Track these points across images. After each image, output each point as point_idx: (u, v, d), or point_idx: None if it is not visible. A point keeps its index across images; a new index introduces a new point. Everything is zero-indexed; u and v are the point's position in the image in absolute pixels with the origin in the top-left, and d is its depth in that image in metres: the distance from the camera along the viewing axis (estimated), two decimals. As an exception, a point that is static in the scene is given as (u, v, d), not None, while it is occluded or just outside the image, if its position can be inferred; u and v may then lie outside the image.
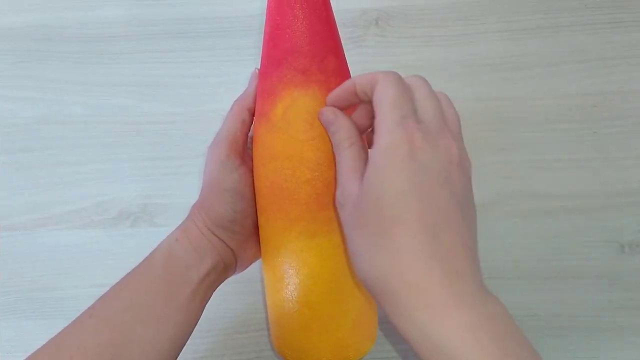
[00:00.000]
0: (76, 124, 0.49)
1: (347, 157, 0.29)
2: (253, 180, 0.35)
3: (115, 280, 0.47)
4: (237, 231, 0.35)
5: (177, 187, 0.48)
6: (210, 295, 0.35)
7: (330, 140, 0.31)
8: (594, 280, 0.46)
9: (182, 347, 0.33)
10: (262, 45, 0.34)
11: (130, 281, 0.33)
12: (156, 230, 0.48)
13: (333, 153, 0.31)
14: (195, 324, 0.34)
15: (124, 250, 0.48)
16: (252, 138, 0.36)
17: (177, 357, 0.33)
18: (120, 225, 0.48)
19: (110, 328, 0.30)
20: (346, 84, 0.30)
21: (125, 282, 0.33)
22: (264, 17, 0.50)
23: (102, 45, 0.50)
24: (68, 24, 0.50)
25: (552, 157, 0.47)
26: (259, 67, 0.35)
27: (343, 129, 0.30)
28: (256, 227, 0.36)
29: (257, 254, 0.37)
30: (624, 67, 0.48)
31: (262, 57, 0.34)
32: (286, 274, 0.33)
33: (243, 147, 0.35)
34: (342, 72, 0.33)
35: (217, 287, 0.35)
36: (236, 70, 0.49)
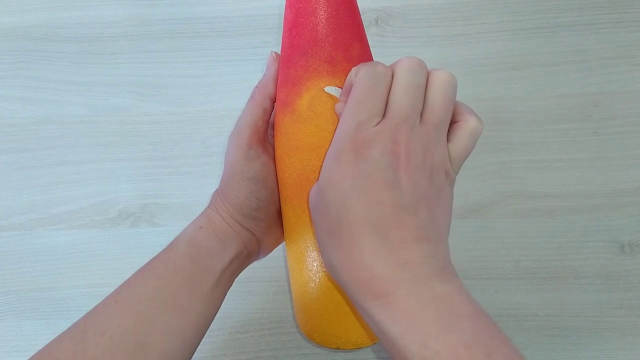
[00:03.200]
0: (76, 124, 0.49)
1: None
2: (275, 168, 0.35)
3: (115, 280, 0.47)
4: (261, 218, 0.35)
5: (177, 187, 0.48)
6: (232, 283, 0.35)
7: None
8: (594, 280, 0.46)
9: (204, 335, 0.33)
10: (282, 33, 0.34)
11: (154, 268, 0.33)
12: (156, 230, 0.48)
13: None
14: (217, 312, 0.34)
15: (124, 250, 0.48)
16: (272, 125, 0.35)
17: (198, 345, 0.33)
18: (120, 225, 0.48)
19: (134, 315, 0.31)
20: (347, 77, 0.30)
21: (149, 268, 0.33)
22: (264, 17, 0.50)
23: (102, 45, 0.50)
24: (68, 24, 0.50)
25: (552, 157, 0.47)
26: (276, 52, 0.35)
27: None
28: (279, 214, 0.36)
29: (280, 239, 0.38)
30: (624, 67, 0.48)
31: (283, 46, 0.34)
32: (315, 262, 0.33)
33: (264, 135, 0.35)
34: (367, 59, 0.33)
35: (239, 274, 0.36)
36: (235, 70, 0.49)
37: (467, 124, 0.29)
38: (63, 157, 0.49)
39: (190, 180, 0.48)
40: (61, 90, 0.50)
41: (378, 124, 0.27)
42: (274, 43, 0.49)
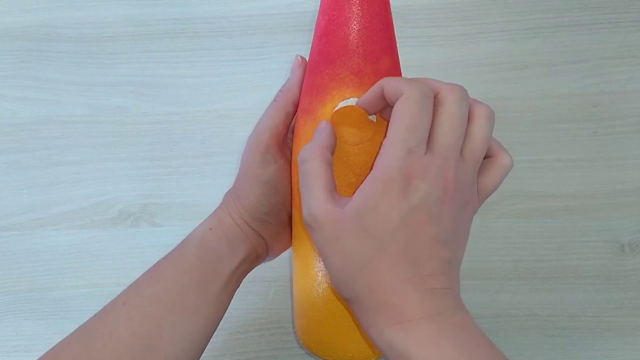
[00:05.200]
0: (76, 124, 0.49)
1: (316, 169, 0.28)
2: (290, 173, 0.34)
3: (115, 280, 0.47)
4: (272, 223, 0.35)
5: (177, 187, 0.48)
6: (239, 285, 0.35)
7: (377, 145, 0.30)
8: (594, 280, 0.46)
9: (211, 337, 0.33)
10: (312, 38, 0.33)
11: (163, 269, 0.33)
12: (156, 230, 0.48)
13: None
14: (224, 314, 0.34)
15: (124, 250, 0.48)
16: (292, 130, 0.35)
17: (205, 347, 0.33)
18: (120, 225, 0.48)
19: (142, 317, 0.30)
20: (374, 89, 0.29)
21: (158, 270, 0.33)
22: (264, 17, 0.50)
23: (102, 45, 0.50)
24: (67, 24, 0.50)
25: (552, 157, 0.47)
26: (302, 56, 0.34)
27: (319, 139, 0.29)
28: (290, 219, 0.36)
29: (289, 243, 0.37)
30: (624, 67, 0.48)
31: (312, 52, 0.33)
32: (320, 272, 0.33)
33: (284, 140, 0.34)
34: (395, 73, 0.32)
35: (246, 275, 0.35)
36: (235, 70, 0.49)
37: (502, 161, 0.29)
38: (63, 157, 0.49)
39: (190, 180, 0.48)
40: (61, 90, 0.50)
41: (425, 154, 0.27)
42: (274, 43, 0.49)
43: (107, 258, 0.48)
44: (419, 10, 0.49)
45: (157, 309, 0.31)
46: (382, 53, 0.31)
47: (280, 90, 0.34)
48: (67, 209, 0.48)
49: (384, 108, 0.30)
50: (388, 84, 0.28)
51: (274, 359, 0.46)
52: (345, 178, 0.31)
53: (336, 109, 0.31)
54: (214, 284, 0.32)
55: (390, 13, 0.32)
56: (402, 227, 0.26)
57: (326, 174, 0.28)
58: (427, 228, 0.26)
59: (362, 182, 0.30)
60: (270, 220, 0.35)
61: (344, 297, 0.28)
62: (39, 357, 0.30)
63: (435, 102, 0.27)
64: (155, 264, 0.33)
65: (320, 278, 0.33)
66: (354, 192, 0.30)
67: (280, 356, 0.46)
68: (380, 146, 0.29)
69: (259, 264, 0.37)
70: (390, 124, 0.27)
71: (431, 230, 0.26)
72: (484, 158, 0.29)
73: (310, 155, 0.28)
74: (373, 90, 0.29)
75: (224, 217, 0.34)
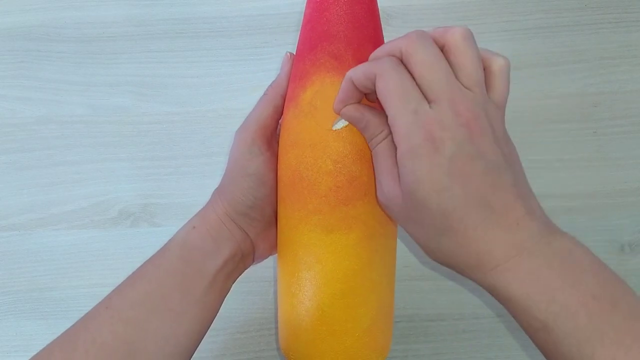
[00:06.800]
0: (76, 124, 0.49)
1: (380, 154, 0.29)
2: (277, 167, 0.34)
3: (115, 280, 0.47)
4: (257, 218, 0.34)
5: (177, 187, 0.48)
6: (229, 288, 0.35)
7: (358, 132, 0.30)
8: (594, 280, 0.46)
9: (200, 341, 0.33)
10: (300, 28, 0.33)
11: (146, 272, 0.32)
12: (156, 230, 0.48)
13: (360, 146, 0.30)
14: (214, 317, 0.33)
15: (124, 250, 0.48)
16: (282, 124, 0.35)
17: (194, 351, 0.33)
18: (120, 225, 0.48)
19: (125, 322, 0.30)
20: (343, 84, 0.29)
21: (141, 272, 0.33)
22: (264, 17, 0.50)
23: (102, 45, 0.50)
24: (67, 24, 0.50)
25: (552, 157, 0.47)
26: (291, 52, 0.35)
27: (371, 124, 0.29)
28: (275, 215, 0.35)
29: (275, 245, 0.37)
30: (624, 67, 0.48)
31: (298, 41, 0.33)
32: (297, 269, 0.32)
33: (272, 134, 0.34)
34: None
35: (235, 278, 0.35)
36: (235, 70, 0.49)
37: (497, 65, 0.28)
38: (63, 157, 0.49)
39: (190, 180, 0.48)
40: (61, 90, 0.50)
41: (430, 107, 0.26)
42: (274, 43, 0.49)
43: (107, 258, 0.48)
44: (419, 10, 0.49)
45: (140, 312, 0.30)
46: (363, 40, 0.31)
47: (270, 85, 0.35)
48: (67, 209, 0.48)
49: (361, 97, 0.30)
50: (356, 72, 0.28)
51: (273, 359, 0.46)
52: (323, 166, 0.31)
53: (333, 128, 0.31)
54: (199, 284, 0.32)
55: (376, 4, 0.32)
56: (451, 181, 0.25)
57: (392, 153, 0.28)
58: (473, 168, 0.26)
59: (339, 171, 0.31)
60: (254, 215, 0.34)
61: (443, 264, 0.29)
62: None
63: (404, 62, 0.27)
64: (140, 266, 0.33)
65: (298, 276, 0.32)
66: (331, 181, 0.31)
67: (280, 356, 0.46)
68: (357, 132, 0.30)
69: (248, 266, 0.36)
70: (383, 104, 0.27)
71: (479, 168, 0.26)
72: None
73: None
74: (345, 85, 0.29)
75: (208, 214, 0.34)
